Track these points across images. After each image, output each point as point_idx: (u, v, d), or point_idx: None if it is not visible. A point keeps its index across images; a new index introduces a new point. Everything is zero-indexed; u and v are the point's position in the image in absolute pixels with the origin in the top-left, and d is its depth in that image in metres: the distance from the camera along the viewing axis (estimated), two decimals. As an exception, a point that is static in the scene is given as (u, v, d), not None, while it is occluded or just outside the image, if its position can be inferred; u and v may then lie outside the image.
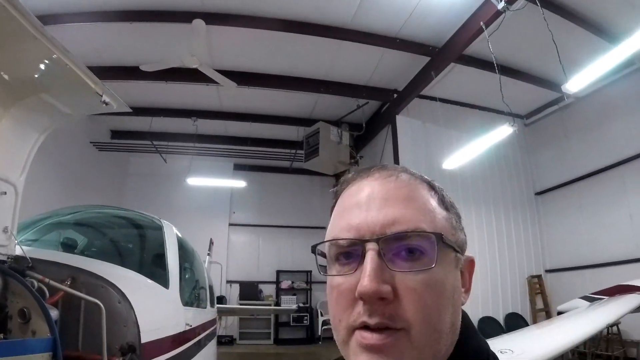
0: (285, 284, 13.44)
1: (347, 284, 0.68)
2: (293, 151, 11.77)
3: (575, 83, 5.83)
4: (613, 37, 6.61)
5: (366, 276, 0.64)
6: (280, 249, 13.82)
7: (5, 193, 2.29)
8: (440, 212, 0.74)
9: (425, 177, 0.80)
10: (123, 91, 9.28)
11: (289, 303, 12.73)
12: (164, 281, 3.23)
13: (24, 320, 1.94)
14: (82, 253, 3.43)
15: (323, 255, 0.74)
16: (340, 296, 0.69)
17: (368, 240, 0.67)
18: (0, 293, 1.99)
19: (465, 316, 0.78)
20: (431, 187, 0.78)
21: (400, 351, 0.65)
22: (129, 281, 2.71)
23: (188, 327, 3.45)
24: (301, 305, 12.79)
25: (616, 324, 7.23)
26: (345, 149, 9.76)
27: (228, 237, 13.70)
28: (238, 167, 13.83)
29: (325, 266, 0.74)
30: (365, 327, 0.66)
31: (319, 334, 12.62)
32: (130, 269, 3.02)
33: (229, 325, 12.51)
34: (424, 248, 0.67)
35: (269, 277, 13.62)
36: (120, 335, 2.39)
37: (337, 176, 12.18)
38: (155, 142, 11.54)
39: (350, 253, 0.70)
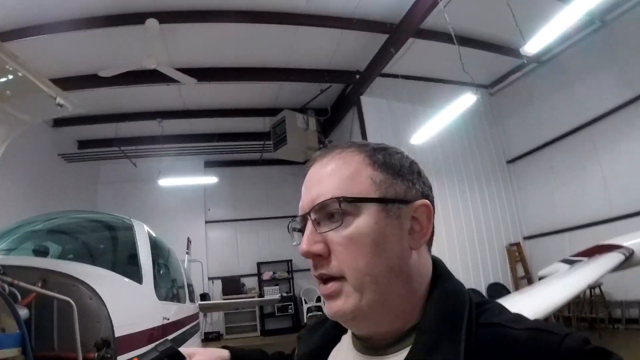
0: (267, 275, 13.47)
1: None
2: (262, 142, 11.76)
3: (533, 44, 5.92)
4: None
5: (303, 241, 0.82)
6: (259, 241, 13.86)
7: None
8: (366, 173, 0.83)
9: (362, 143, 0.90)
10: (85, 100, 9.18)
11: (272, 294, 12.72)
12: (137, 277, 3.26)
13: None
14: (54, 257, 3.46)
15: (300, 230, 0.88)
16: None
17: (305, 214, 0.83)
18: None
19: (440, 263, 0.90)
20: (364, 153, 0.86)
21: (345, 295, 0.79)
22: (99, 278, 2.72)
23: (166, 321, 3.47)
24: (284, 294, 12.85)
25: (598, 285, 7.39)
26: (313, 135, 9.79)
27: (206, 234, 13.67)
28: (209, 164, 13.76)
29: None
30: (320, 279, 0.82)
31: (305, 321, 12.69)
32: (101, 267, 3.06)
33: (215, 322, 12.52)
34: (340, 210, 0.78)
35: (250, 270, 13.65)
36: (95, 331, 2.41)
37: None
38: (123, 148, 11.44)
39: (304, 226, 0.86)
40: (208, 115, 10.64)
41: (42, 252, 3.56)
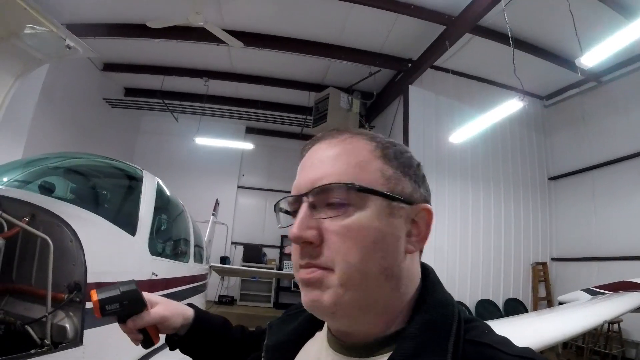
0: (289, 250, 13.38)
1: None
2: (303, 117, 11.63)
3: (591, 57, 5.65)
4: (634, 14, 6.33)
5: (295, 224, 0.76)
6: (287, 215, 13.76)
7: None
8: (376, 164, 0.79)
9: (372, 134, 0.86)
10: (135, 49, 9.48)
11: (291, 268, 12.72)
12: (131, 228, 3.24)
13: None
14: (56, 196, 3.47)
15: (288, 212, 0.85)
16: (292, 244, 0.79)
17: (301, 195, 0.79)
18: None
19: (429, 270, 0.86)
20: (375, 143, 0.82)
21: (327, 286, 0.74)
22: (87, 222, 2.72)
23: (154, 277, 3.45)
24: (304, 270, 12.88)
25: (617, 321, 7.14)
26: (355, 117, 9.60)
27: (236, 199, 13.80)
28: (249, 130, 13.85)
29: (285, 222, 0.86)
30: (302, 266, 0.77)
31: (318, 300, 12.71)
32: (98, 213, 3.03)
33: (231, 286, 12.71)
34: (344, 197, 0.74)
35: (273, 241, 13.72)
36: (69, 274, 2.40)
37: None
38: (166, 101, 11.63)
39: (297, 208, 0.80)
40: (254, 81, 10.60)
41: (47, 189, 3.56)
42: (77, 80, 9.71)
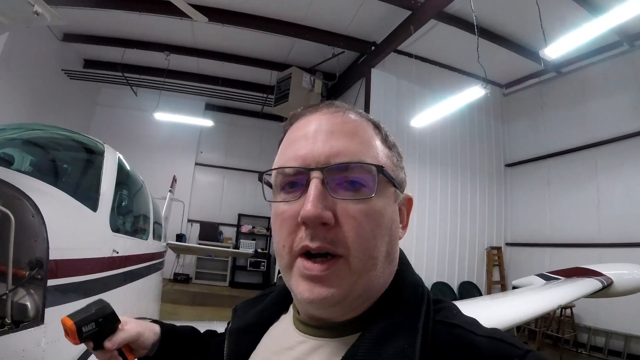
0: (245, 228, 13.51)
1: (291, 211, 0.73)
2: (265, 95, 11.53)
3: (554, 49, 5.81)
4: (599, 9, 6.50)
5: (309, 201, 0.69)
6: (245, 193, 13.79)
7: None
8: (383, 150, 0.79)
9: (371, 117, 0.84)
10: (97, 19, 9.16)
11: (248, 247, 12.80)
12: (92, 204, 3.16)
13: None
14: (16, 168, 3.30)
15: (269, 185, 0.80)
16: (284, 222, 0.74)
17: (313, 169, 0.72)
18: None
19: (401, 253, 0.84)
20: (376, 126, 0.82)
21: (340, 278, 0.71)
22: (48, 197, 2.62)
23: (115, 254, 3.39)
24: (260, 250, 12.96)
25: (570, 306, 7.42)
26: (317, 98, 9.60)
27: (193, 176, 13.64)
28: (209, 107, 13.66)
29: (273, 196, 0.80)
30: (307, 253, 0.71)
31: (275, 281, 12.72)
32: (58, 187, 2.92)
33: (187, 264, 12.65)
34: (365, 179, 0.71)
35: (230, 219, 13.68)
36: (30, 250, 2.33)
37: None
38: (126, 74, 11.31)
39: (295, 182, 0.75)
40: (216, 57, 10.40)
41: (5, 161, 3.41)
42: (36, 50, 9.43)
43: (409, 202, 0.84)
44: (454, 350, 0.67)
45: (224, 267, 13.34)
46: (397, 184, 0.79)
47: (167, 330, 1.15)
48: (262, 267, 13.26)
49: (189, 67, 11.37)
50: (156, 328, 1.14)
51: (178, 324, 1.27)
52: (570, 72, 8.95)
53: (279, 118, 11.27)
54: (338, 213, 0.70)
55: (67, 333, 1.00)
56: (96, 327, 1.00)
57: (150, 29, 9.54)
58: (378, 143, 0.78)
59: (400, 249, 0.83)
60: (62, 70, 10.93)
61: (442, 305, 0.78)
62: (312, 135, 0.76)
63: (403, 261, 0.84)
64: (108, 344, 1.01)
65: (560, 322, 7.64)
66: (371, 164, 0.72)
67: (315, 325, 0.80)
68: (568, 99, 8.98)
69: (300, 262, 0.73)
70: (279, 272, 12.31)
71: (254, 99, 12.11)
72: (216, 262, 13.26)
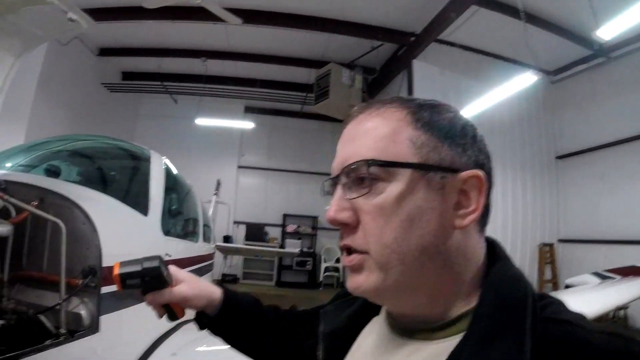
0: (291, 228, 13.50)
1: None
2: (304, 94, 11.44)
3: (608, 30, 5.46)
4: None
5: (330, 206, 0.75)
6: (289, 193, 13.82)
7: None
8: (405, 133, 0.73)
9: (416, 100, 0.79)
10: (131, 32, 9.37)
11: (294, 247, 12.74)
12: (143, 209, 3.16)
13: None
14: (63, 179, 3.41)
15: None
16: None
17: (336, 176, 0.77)
18: None
19: (495, 244, 0.79)
20: (407, 109, 0.76)
21: (368, 270, 0.72)
22: (98, 204, 2.63)
23: (168, 257, 3.37)
24: (305, 250, 12.91)
25: (625, 307, 7.04)
26: (357, 93, 9.44)
27: (237, 178, 13.73)
28: (248, 110, 13.65)
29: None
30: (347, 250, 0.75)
31: (321, 279, 12.82)
32: (108, 194, 2.97)
33: (234, 265, 12.69)
34: (368, 174, 0.71)
35: (275, 220, 13.71)
36: (83, 258, 2.31)
37: None
38: (165, 83, 11.53)
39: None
40: (253, 59, 10.42)
41: (53, 172, 3.49)
42: (74, 67, 9.70)
43: (476, 180, 0.72)
44: (566, 348, 0.61)
45: (271, 267, 13.42)
46: (434, 166, 0.71)
47: (229, 298, 1.13)
48: (308, 266, 13.19)
49: (226, 71, 11.42)
50: (215, 294, 1.12)
51: None
52: (620, 56, 8.42)
53: (318, 116, 11.25)
54: (357, 212, 0.72)
55: (114, 279, 1.03)
56: (141, 283, 1.03)
57: (185, 36, 9.63)
58: (399, 128, 0.74)
59: (495, 240, 0.79)
60: (102, 84, 11.26)
61: (548, 300, 0.70)
62: (342, 145, 0.80)
63: (497, 254, 0.76)
64: (149, 298, 1.03)
65: (613, 323, 7.21)
66: (361, 160, 0.72)
67: (411, 328, 0.76)
68: (621, 85, 8.42)
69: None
70: (325, 271, 12.30)
71: (293, 98, 12.05)
72: (263, 263, 13.35)
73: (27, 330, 2.11)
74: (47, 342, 2.00)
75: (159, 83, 11.45)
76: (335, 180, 0.78)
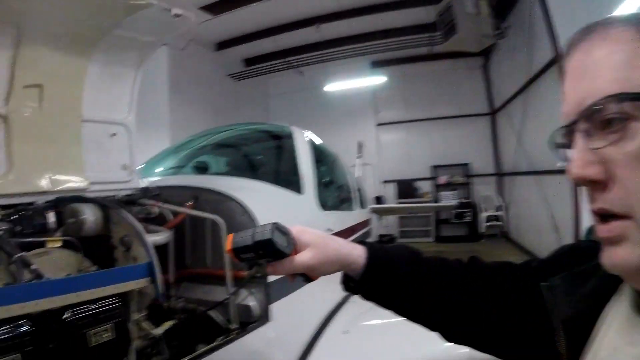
0: (442, 179, 12.95)
1: None
2: (428, 35, 10.66)
3: None
4: None
5: (572, 162, 0.63)
6: (433, 143, 13.18)
7: (115, 134, 2.46)
8: None
9: (636, 15, 0.65)
10: (240, 20, 9.48)
11: (449, 199, 12.26)
12: (296, 187, 3.14)
13: (126, 249, 1.95)
14: (212, 173, 3.59)
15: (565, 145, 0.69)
16: None
17: (571, 123, 0.64)
18: (104, 225, 2.03)
19: None
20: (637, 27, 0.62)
21: (633, 242, 0.58)
22: (252, 192, 2.66)
23: (329, 232, 3.25)
24: (462, 201, 12.24)
25: None
26: (486, 20, 8.60)
27: (377, 137, 13.53)
28: (376, 64, 13.15)
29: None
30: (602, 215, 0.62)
31: (482, 230, 11.99)
32: (258, 179, 3.04)
33: (389, 224, 12.58)
34: (622, 113, 0.57)
35: (424, 173, 13.25)
36: (247, 249, 2.24)
37: (484, 53, 10.99)
38: (287, 59, 11.60)
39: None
40: (366, 12, 9.92)
41: (202, 168, 3.64)
42: (197, 67, 10.42)
43: None
44: None
45: (427, 223, 13.06)
46: None
47: (375, 258, 1.00)
48: (467, 218, 12.48)
49: (342, 32, 11.03)
50: (351, 257, 1.00)
51: None
52: None
53: (449, 55, 10.71)
54: (608, 165, 0.59)
55: (229, 254, 1.01)
56: (255, 256, 0.98)
57: (294, 7, 9.54)
58: (636, 50, 0.59)
59: None
60: (227, 75, 11.82)
61: None
62: (571, 83, 0.66)
63: None
64: (270, 270, 0.99)
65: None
66: (604, 98, 0.58)
67: None
68: None
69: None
70: (486, 220, 11.61)
71: (418, 42, 11.31)
72: (418, 219, 13.02)
73: (198, 327, 2.20)
74: (220, 339, 2.05)
75: (281, 60, 11.59)
76: (571, 128, 0.64)
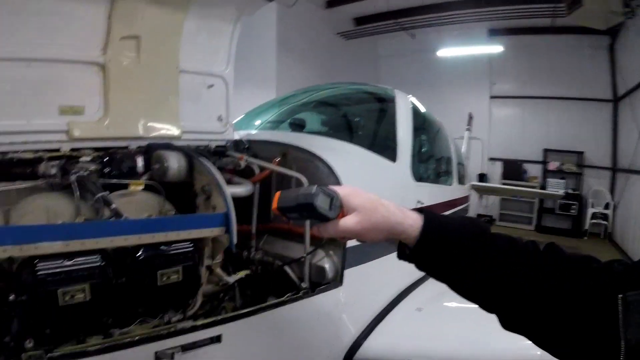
0: (552, 165, 12.03)
1: None
2: (552, 5, 9.36)
3: None
4: None
5: None
6: (549, 125, 12.18)
7: (213, 85, 2.54)
8: None
9: None
10: None
11: (556, 187, 11.47)
12: (390, 154, 3.05)
13: (206, 197, 2.04)
14: (307, 131, 3.56)
15: None
16: None
17: None
18: (188, 173, 2.14)
19: None
20: None
21: None
22: (341, 154, 2.63)
23: (420, 205, 3.13)
24: (570, 191, 11.38)
25: None
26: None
27: (489, 110, 12.83)
28: (493, 32, 12.10)
29: None
30: None
31: (586, 227, 11.11)
32: (352, 142, 2.99)
33: (490, 205, 12.14)
34: None
35: (534, 156, 12.38)
36: (327, 211, 2.25)
37: (611, 32, 9.91)
38: (399, 20, 11.13)
39: None
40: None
41: (298, 126, 3.62)
42: (307, 24, 10.35)
43: None
44: None
45: (530, 209, 12.36)
46: None
47: (430, 229, 0.95)
48: (573, 211, 11.52)
49: (460, -7, 10.46)
50: (405, 225, 0.96)
51: None
52: None
53: (573, 30, 9.99)
54: None
55: (275, 212, 1.03)
56: (299, 216, 1.02)
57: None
58: None
59: None
60: (337, 34, 11.66)
61: None
62: None
63: None
64: (314, 231, 1.11)
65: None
66: None
67: None
68: None
69: None
70: (592, 218, 10.79)
71: (541, 11, 10.13)
72: (521, 203, 12.35)
73: (272, 280, 2.26)
74: (289, 295, 2.09)
75: (392, 21, 11.14)
76: None
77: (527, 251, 0.92)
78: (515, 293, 0.88)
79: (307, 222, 2.16)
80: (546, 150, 12.23)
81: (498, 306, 0.93)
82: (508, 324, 0.92)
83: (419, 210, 1.01)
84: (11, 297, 1.43)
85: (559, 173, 11.90)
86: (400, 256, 1.02)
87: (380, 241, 1.00)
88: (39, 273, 1.43)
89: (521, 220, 12.32)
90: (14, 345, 1.47)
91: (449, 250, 0.93)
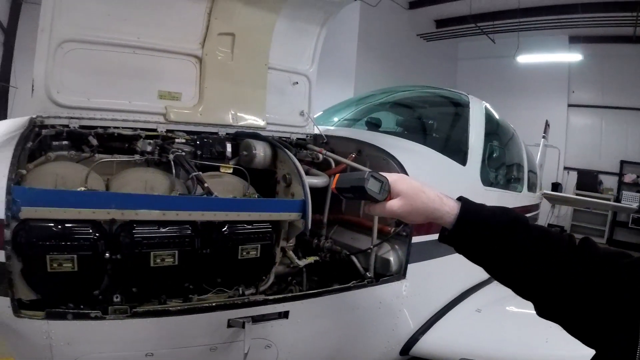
0: (629, 178, 11.58)
1: None
2: (634, 14, 9.09)
3: None
4: None
5: None
6: (627, 136, 11.73)
7: (297, 83, 2.76)
8: None
9: None
10: None
11: (631, 201, 10.88)
12: (461, 157, 3.11)
13: (287, 185, 2.17)
14: (382, 130, 3.67)
15: None
16: None
17: None
18: (271, 161, 2.31)
19: None
20: None
21: None
22: (413, 154, 2.70)
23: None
24: (646, 205, 10.79)
25: None
26: None
27: (567, 119, 12.45)
28: (573, 40, 11.88)
29: None
30: None
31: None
32: (424, 144, 3.08)
33: (562, 215, 11.73)
34: None
35: (611, 167, 11.96)
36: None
37: None
38: (479, 24, 11.05)
39: None
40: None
41: (374, 125, 3.76)
42: (388, 24, 10.55)
43: None
44: None
45: (603, 222, 11.90)
46: None
47: (467, 214, 1.08)
48: None
49: (543, 1, 10.10)
50: (443, 211, 1.09)
51: None
52: None
53: None
54: None
55: (333, 191, 1.25)
56: (353, 196, 1.20)
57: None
58: None
59: None
60: (417, 35, 11.81)
61: None
62: None
63: None
64: (365, 209, 1.19)
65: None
66: None
67: None
68: None
69: None
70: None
71: (622, 20, 9.88)
72: (594, 216, 11.93)
73: (338, 268, 2.40)
74: (353, 282, 2.22)
75: (473, 25, 11.03)
76: None
77: (561, 243, 0.98)
78: (546, 283, 0.95)
79: (375, 219, 2.30)
80: (623, 162, 11.76)
81: (530, 294, 1.01)
82: (541, 312, 1.00)
83: (459, 198, 1.13)
84: (107, 255, 1.62)
85: (635, 186, 11.43)
86: (441, 239, 1.13)
87: (420, 222, 1.14)
88: (136, 235, 1.63)
89: (593, 233, 11.69)
90: (103, 299, 1.69)
91: (481, 234, 1.03)
